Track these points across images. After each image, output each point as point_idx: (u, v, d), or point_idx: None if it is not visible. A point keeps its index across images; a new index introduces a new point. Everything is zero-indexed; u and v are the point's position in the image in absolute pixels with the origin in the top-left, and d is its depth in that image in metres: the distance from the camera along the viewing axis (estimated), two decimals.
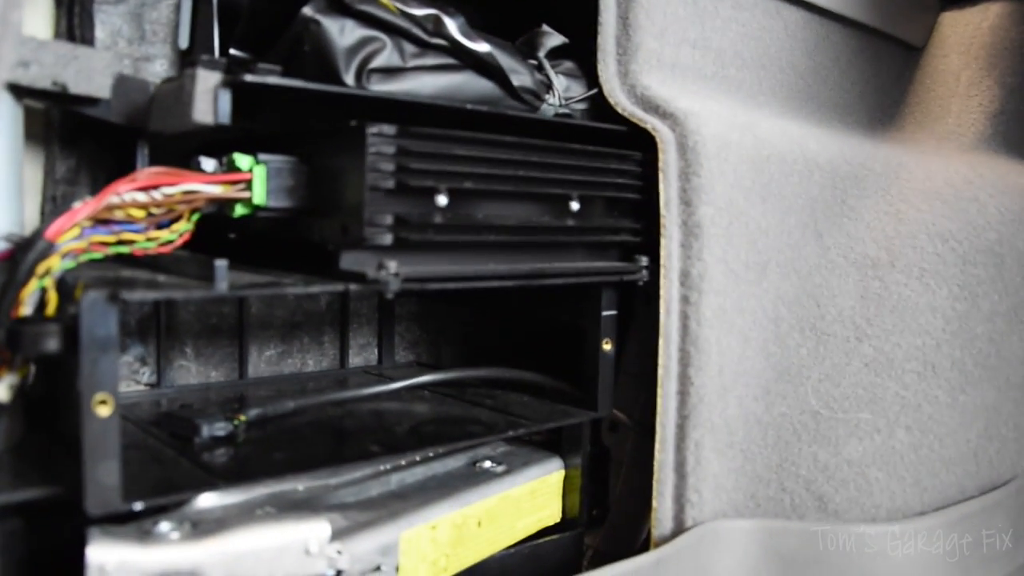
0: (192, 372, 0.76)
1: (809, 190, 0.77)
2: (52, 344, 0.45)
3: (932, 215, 0.81)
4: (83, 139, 0.66)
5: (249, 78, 0.50)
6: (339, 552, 0.54)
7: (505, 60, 0.66)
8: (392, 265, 0.52)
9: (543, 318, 0.78)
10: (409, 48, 0.61)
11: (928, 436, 0.76)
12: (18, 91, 0.54)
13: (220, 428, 0.59)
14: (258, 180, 0.53)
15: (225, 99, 0.51)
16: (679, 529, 0.69)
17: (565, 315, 0.74)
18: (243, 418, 0.61)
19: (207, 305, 0.76)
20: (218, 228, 0.58)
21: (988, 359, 0.81)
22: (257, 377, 0.80)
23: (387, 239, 0.53)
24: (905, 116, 1.05)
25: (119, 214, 0.51)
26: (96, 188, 0.66)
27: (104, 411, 0.44)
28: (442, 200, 0.56)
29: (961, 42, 1.06)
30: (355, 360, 0.87)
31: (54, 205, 0.64)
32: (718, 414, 0.69)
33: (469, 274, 0.58)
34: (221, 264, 0.47)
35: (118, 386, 0.45)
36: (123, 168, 0.64)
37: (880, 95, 1.03)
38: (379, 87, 0.59)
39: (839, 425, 0.74)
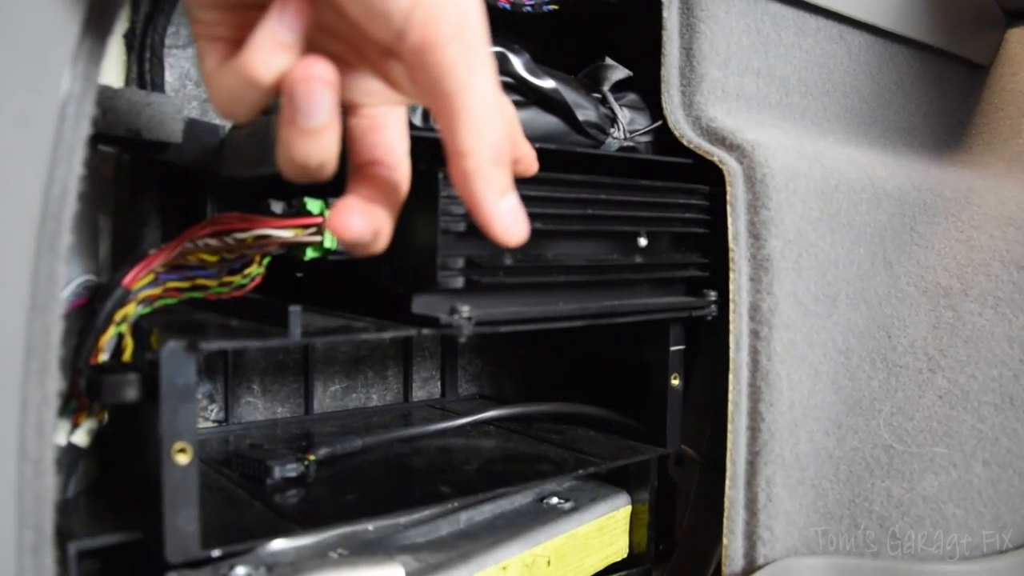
0: (259, 408, 0.76)
1: (878, 219, 0.75)
2: (131, 393, 0.45)
3: (1006, 241, 0.79)
4: (153, 182, 0.67)
5: None
6: None
7: (570, 95, 0.65)
8: (465, 309, 0.52)
9: (607, 352, 0.78)
10: None
11: (1007, 470, 0.74)
12: (93, 139, 0.55)
13: (291, 469, 0.59)
14: None
15: None
16: (751, 567, 0.68)
17: (630, 349, 0.74)
18: (312, 458, 0.61)
19: None
20: (287, 267, 0.59)
21: None
22: (322, 412, 0.80)
23: (459, 282, 0.53)
24: (973, 137, 1.03)
25: (192, 259, 0.52)
26: (166, 230, 0.67)
27: (183, 459, 0.45)
28: None
29: None
30: (419, 394, 0.87)
31: (125, 247, 0.65)
32: (789, 450, 0.68)
33: (540, 315, 0.58)
34: (295, 310, 0.47)
35: (196, 434, 0.45)
36: (192, 210, 0.65)
37: (946, 116, 1.01)
38: None
39: (913, 459, 0.72)
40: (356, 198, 0.41)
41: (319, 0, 0.38)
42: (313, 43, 0.38)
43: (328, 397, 0.81)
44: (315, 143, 0.38)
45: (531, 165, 0.49)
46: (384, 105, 0.43)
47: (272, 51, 0.37)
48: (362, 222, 0.41)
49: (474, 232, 0.54)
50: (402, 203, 0.44)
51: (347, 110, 0.42)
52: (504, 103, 0.40)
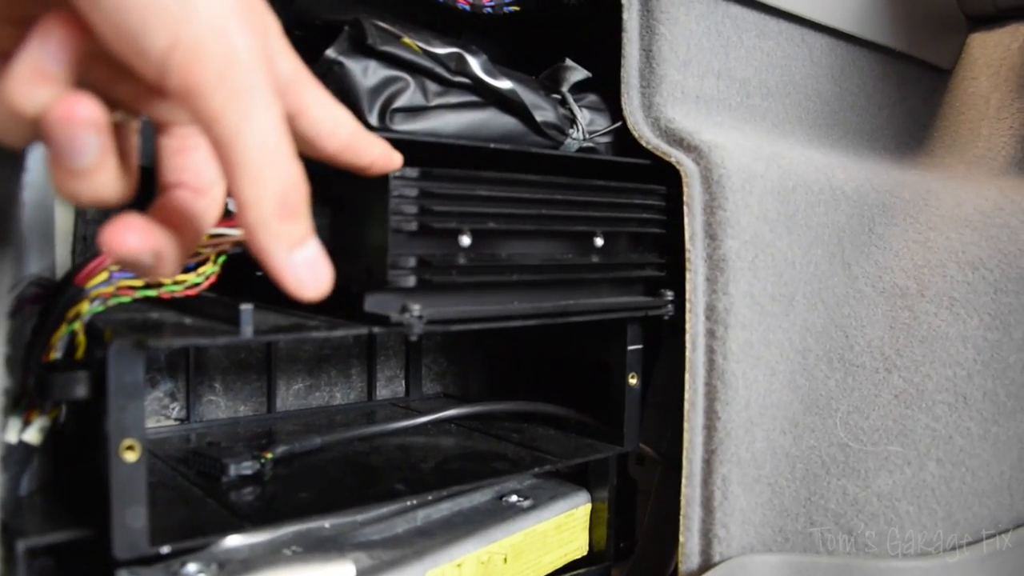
0: (221, 407, 0.77)
1: (836, 220, 0.76)
2: (80, 391, 0.46)
3: (962, 243, 0.80)
4: None
5: None
6: None
7: (528, 96, 0.66)
8: (415, 308, 0.52)
9: (569, 351, 0.78)
10: (432, 87, 0.62)
11: (960, 468, 0.75)
12: None
13: (247, 467, 0.59)
14: None
15: None
16: (707, 564, 0.68)
17: (591, 348, 0.74)
18: (270, 456, 0.61)
19: None
20: (246, 266, 0.59)
21: (1021, 389, 0.80)
22: (285, 411, 0.80)
23: (410, 281, 0.54)
24: (934, 140, 1.04)
25: None
26: None
27: (131, 456, 0.45)
28: (465, 241, 0.56)
29: (990, 64, 1.05)
30: (382, 392, 0.87)
31: (85, 246, 0.65)
32: (745, 448, 0.69)
33: (493, 314, 0.58)
34: (246, 308, 0.48)
35: (145, 431, 0.46)
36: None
37: (908, 119, 1.03)
38: (403, 126, 0.60)
39: (868, 458, 0.73)
40: (145, 216, 0.36)
41: (90, 29, 0.33)
42: (108, 66, 0.35)
43: (291, 396, 0.81)
44: (84, 183, 0.34)
45: (388, 162, 0.47)
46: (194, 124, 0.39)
47: (34, 83, 0.32)
48: (138, 241, 0.35)
49: (427, 232, 0.55)
50: (203, 233, 0.41)
51: (157, 127, 0.40)
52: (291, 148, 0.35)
